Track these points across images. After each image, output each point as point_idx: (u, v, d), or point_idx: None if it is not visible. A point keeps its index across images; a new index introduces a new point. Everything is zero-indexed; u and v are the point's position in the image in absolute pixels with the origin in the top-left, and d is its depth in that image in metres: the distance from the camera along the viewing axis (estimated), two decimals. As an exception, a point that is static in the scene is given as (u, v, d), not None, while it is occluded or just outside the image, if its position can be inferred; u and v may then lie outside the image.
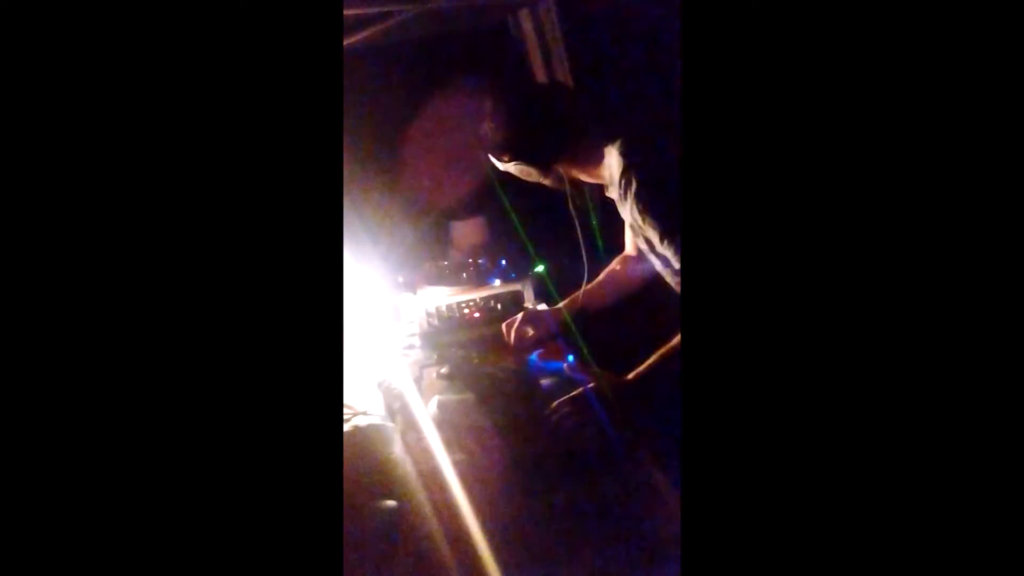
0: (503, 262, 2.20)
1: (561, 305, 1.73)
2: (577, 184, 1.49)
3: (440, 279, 2.14)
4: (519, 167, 1.43)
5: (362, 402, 1.64)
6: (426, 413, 1.34)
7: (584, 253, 1.57)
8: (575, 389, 1.27)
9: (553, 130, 1.37)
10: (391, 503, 1.19)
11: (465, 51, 2.43)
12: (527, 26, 2.36)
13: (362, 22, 2.13)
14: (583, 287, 1.67)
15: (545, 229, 2.17)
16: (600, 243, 1.69)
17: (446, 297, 2.08)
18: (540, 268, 2.11)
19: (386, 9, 2.07)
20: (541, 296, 2.01)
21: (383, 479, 1.22)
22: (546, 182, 1.48)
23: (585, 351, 1.53)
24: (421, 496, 1.14)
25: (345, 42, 2.27)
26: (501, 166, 1.46)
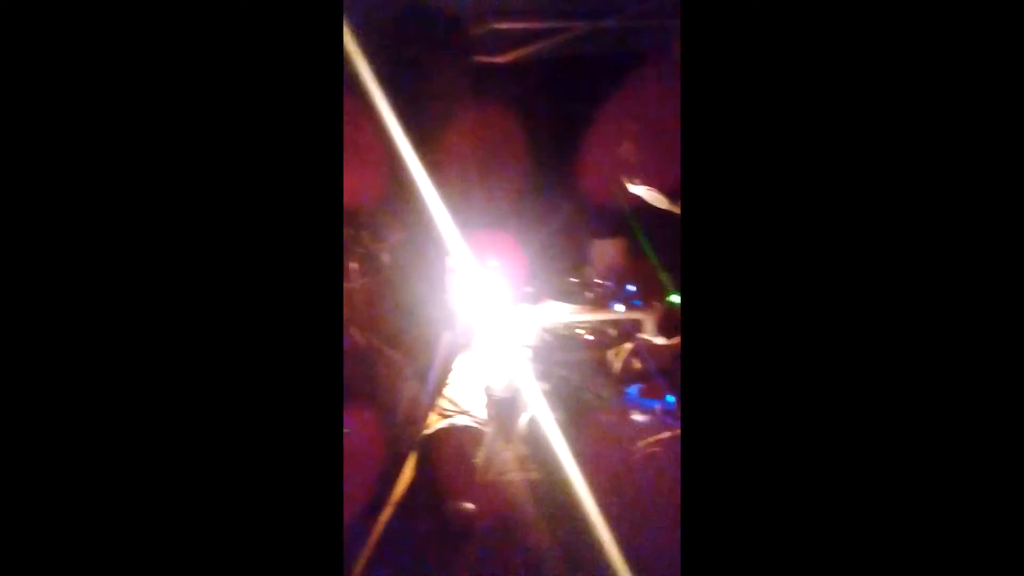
0: (630, 287, 2.19)
1: (675, 341, 1.69)
2: None
3: (565, 296, 2.18)
4: (650, 192, 1.43)
5: (468, 403, 1.73)
6: (518, 426, 1.38)
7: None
8: (666, 431, 1.25)
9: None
10: (469, 506, 1.25)
11: (612, 70, 2.45)
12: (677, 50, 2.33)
13: (526, 37, 2.23)
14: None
15: (676, 263, 2.13)
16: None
17: (567, 315, 2.11)
18: (676, 297, 2.07)
19: (551, 26, 2.15)
20: (671, 328, 1.97)
21: (465, 480, 1.29)
22: (676, 210, 1.47)
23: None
24: (493, 506, 1.20)
25: (512, 56, 2.38)
26: (633, 189, 1.47)
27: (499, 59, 2.40)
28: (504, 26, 2.20)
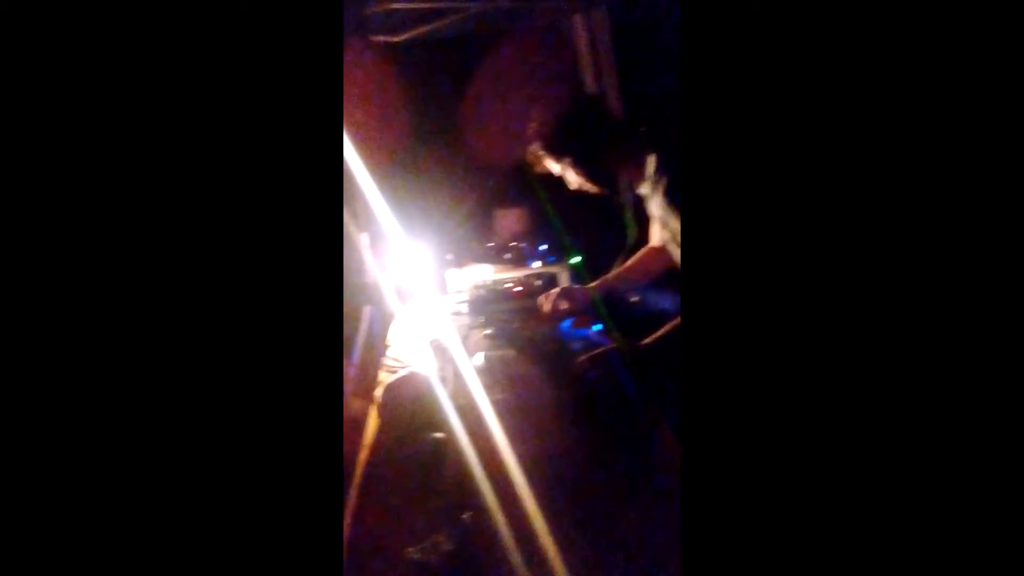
0: (542, 247, 2.41)
1: (593, 285, 1.93)
2: (614, 181, 1.69)
3: (485, 258, 2.37)
4: (562, 165, 1.62)
5: (410, 358, 1.86)
6: (471, 363, 1.55)
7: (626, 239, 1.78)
8: (599, 350, 1.47)
9: (598, 131, 1.56)
10: (439, 435, 1.40)
11: (518, 49, 2.63)
12: (579, 30, 2.56)
13: (422, 16, 2.35)
14: (612, 271, 1.86)
15: (579, 223, 2.37)
16: (630, 236, 1.89)
17: (491, 273, 2.30)
18: (576, 259, 2.32)
19: (446, 5, 2.28)
20: (576, 282, 2.21)
21: (429, 419, 1.43)
22: (579, 180, 1.67)
23: (610, 324, 1.73)
24: (463, 430, 1.35)
25: (406, 35, 2.49)
26: (547, 164, 1.64)
27: (395, 38, 2.51)
28: (400, 6, 2.30)
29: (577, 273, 2.28)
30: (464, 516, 1.11)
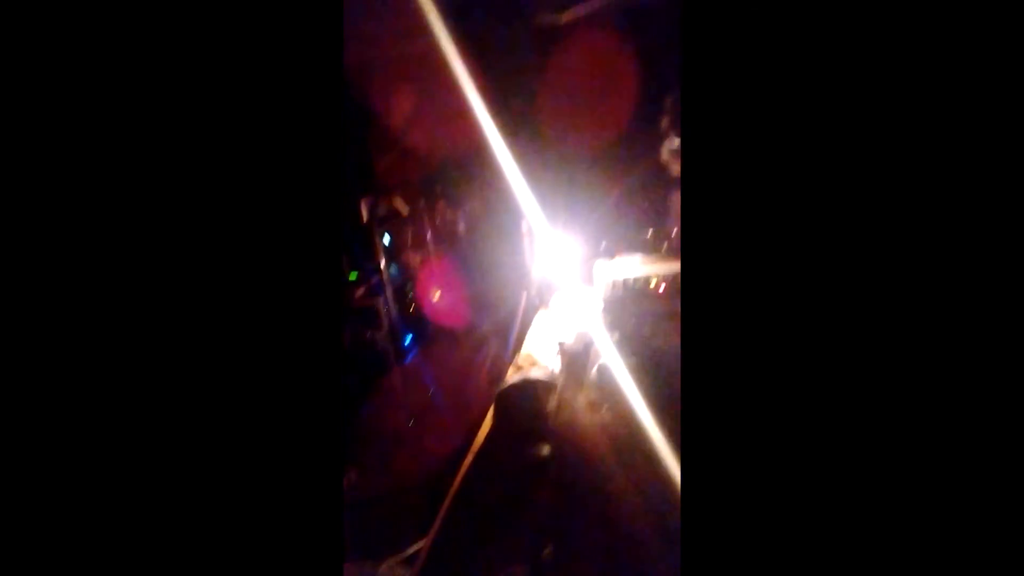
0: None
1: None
2: None
3: (639, 248, 2.19)
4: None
5: (542, 357, 1.80)
6: (589, 374, 1.43)
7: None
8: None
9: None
10: (545, 450, 1.32)
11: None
12: None
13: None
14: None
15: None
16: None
17: (639, 267, 2.13)
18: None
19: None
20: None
21: (540, 425, 1.36)
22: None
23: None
24: (567, 447, 1.26)
25: (570, 16, 2.37)
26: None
27: (558, 20, 2.40)
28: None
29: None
30: (545, 552, 1.03)
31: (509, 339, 1.86)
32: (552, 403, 1.35)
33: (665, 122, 1.44)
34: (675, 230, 2.25)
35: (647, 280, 1.98)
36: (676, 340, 1.53)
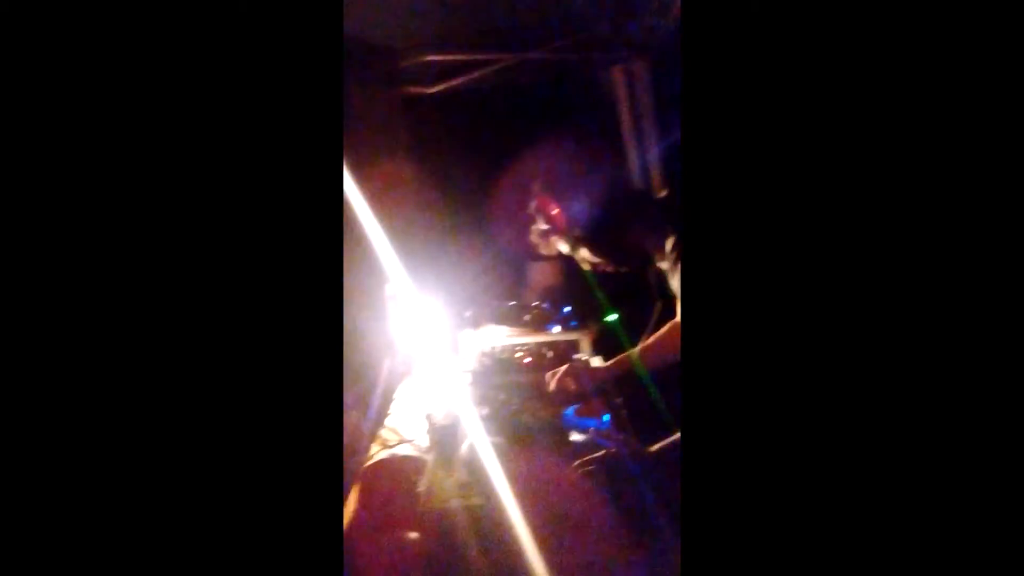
0: (566, 310, 2.25)
1: (610, 363, 1.76)
2: (633, 257, 1.55)
3: (502, 319, 2.22)
4: (571, 242, 1.51)
5: (408, 431, 1.74)
6: (459, 453, 1.40)
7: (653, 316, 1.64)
8: (596, 455, 1.30)
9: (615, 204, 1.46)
10: (413, 535, 1.26)
11: (553, 103, 2.53)
12: (619, 84, 2.43)
13: (458, 68, 2.28)
14: (637, 346, 1.68)
15: (618, 281, 2.21)
16: (655, 312, 1.74)
17: (504, 338, 2.15)
18: (613, 317, 2.12)
19: (482, 57, 2.21)
20: (609, 346, 2.03)
21: (407, 510, 1.30)
22: (593, 259, 1.55)
23: (623, 413, 1.55)
24: (436, 534, 1.21)
25: (443, 86, 2.43)
26: (554, 243, 1.55)
27: (430, 90, 2.45)
28: (435, 58, 2.25)
29: (613, 340, 2.10)
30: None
31: (370, 409, 1.79)
32: (422, 484, 1.30)
33: (533, 206, 1.50)
34: (535, 303, 2.32)
35: (512, 351, 2.02)
36: (545, 414, 1.55)
